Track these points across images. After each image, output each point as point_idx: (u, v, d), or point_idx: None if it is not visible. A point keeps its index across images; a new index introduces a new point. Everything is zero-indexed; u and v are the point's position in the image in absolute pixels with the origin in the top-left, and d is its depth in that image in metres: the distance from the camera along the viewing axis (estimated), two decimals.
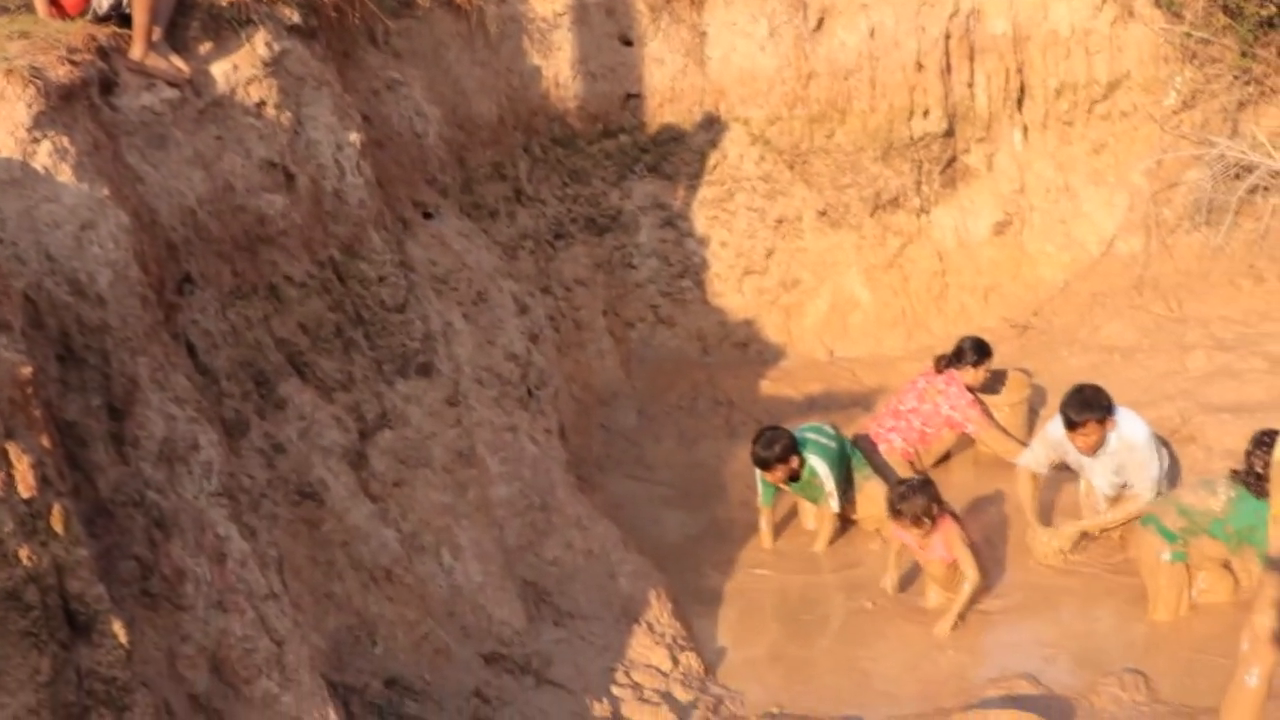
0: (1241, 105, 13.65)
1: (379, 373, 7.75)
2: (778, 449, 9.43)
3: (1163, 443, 9.37)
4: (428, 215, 9.30)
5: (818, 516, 9.97)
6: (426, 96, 9.92)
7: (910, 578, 8.96)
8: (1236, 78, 13.62)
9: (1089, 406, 8.89)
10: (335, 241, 7.75)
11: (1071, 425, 8.96)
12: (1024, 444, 10.21)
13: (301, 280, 7.36)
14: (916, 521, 8.50)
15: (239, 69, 7.28)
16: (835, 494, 9.62)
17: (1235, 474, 8.30)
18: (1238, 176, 13.13)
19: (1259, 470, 7.97)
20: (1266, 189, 13.03)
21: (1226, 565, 8.43)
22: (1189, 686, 7.47)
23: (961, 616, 8.54)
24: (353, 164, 7.94)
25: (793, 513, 10.10)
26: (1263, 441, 8.15)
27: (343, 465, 7.07)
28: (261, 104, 7.35)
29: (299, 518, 6.71)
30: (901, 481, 8.95)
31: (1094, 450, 8.99)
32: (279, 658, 5.33)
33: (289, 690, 5.32)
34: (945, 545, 8.54)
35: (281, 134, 7.42)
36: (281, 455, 6.77)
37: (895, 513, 8.63)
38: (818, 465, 9.58)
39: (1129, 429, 8.92)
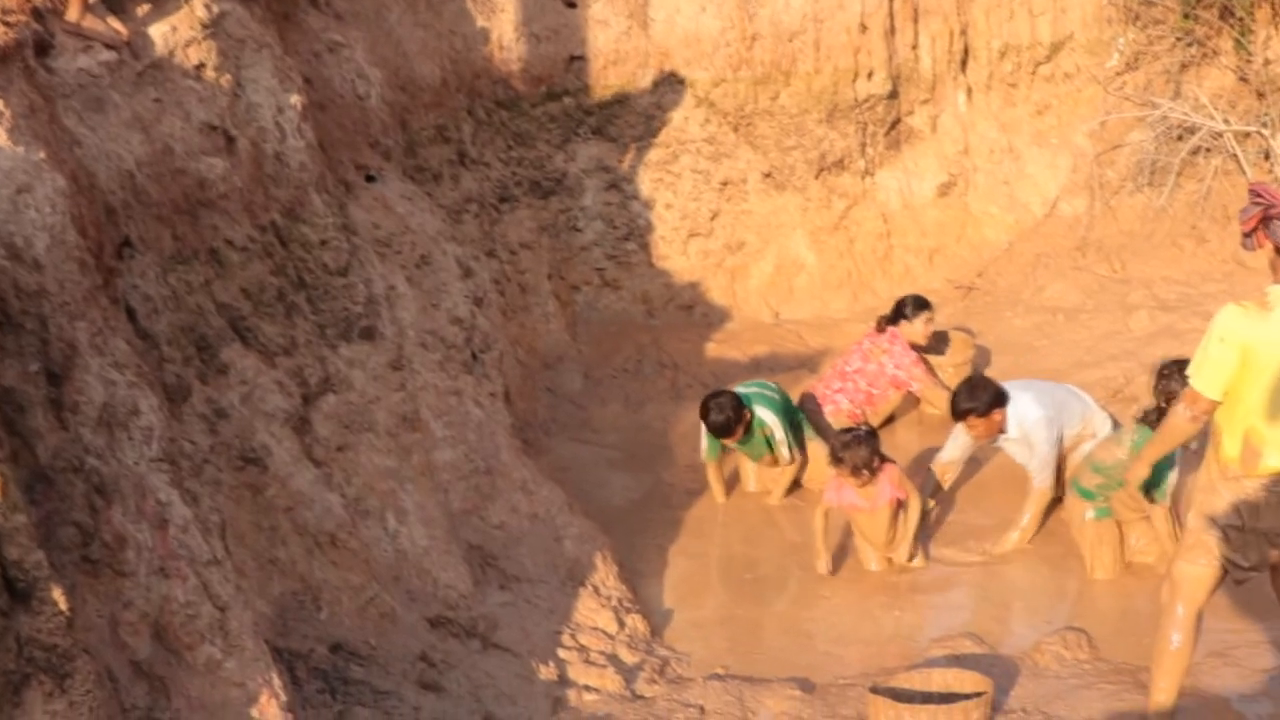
0: (1184, 67, 13.72)
1: (322, 337, 7.70)
2: (729, 411, 9.42)
3: (1101, 407, 9.45)
4: (370, 178, 9.25)
5: (760, 477, 10.00)
6: (368, 59, 9.85)
7: (842, 553, 8.97)
8: (1179, 39, 13.68)
9: (968, 399, 9.04)
10: (277, 205, 7.69)
11: (956, 417, 9.15)
12: None
13: (243, 244, 7.30)
14: (856, 471, 8.48)
15: (178, 31, 7.19)
16: (786, 442, 9.64)
17: (1141, 417, 8.51)
18: (1180, 138, 13.21)
19: (1161, 404, 8.20)
20: (1209, 150, 13.11)
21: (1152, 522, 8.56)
22: (1131, 644, 7.53)
23: (917, 541, 8.73)
24: (294, 127, 7.87)
25: (734, 477, 10.12)
26: (1163, 374, 8.48)
27: (286, 430, 7.03)
28: (201, 66, 7.27)
29: (242, 483, 6.67)
30: (846, 430, 8.96)
31: (988, 438, 9.13)
32: (222, 624, 5.30)
33: (232, 656, 5.29)
34: (893, 485, 8.56)
35: (221, 97, 7.35)
36: (224, 420, 6.73)
37: (836, 460, 8.62)
38: (765, 416, 9.59)
39: (1025, 413, 9.01)
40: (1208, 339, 6.04)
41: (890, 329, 10.75)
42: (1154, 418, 8.25)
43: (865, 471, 8.50)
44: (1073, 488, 8.77)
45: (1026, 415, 8.97)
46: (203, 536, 5.46)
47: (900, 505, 8.64)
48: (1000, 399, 8.98)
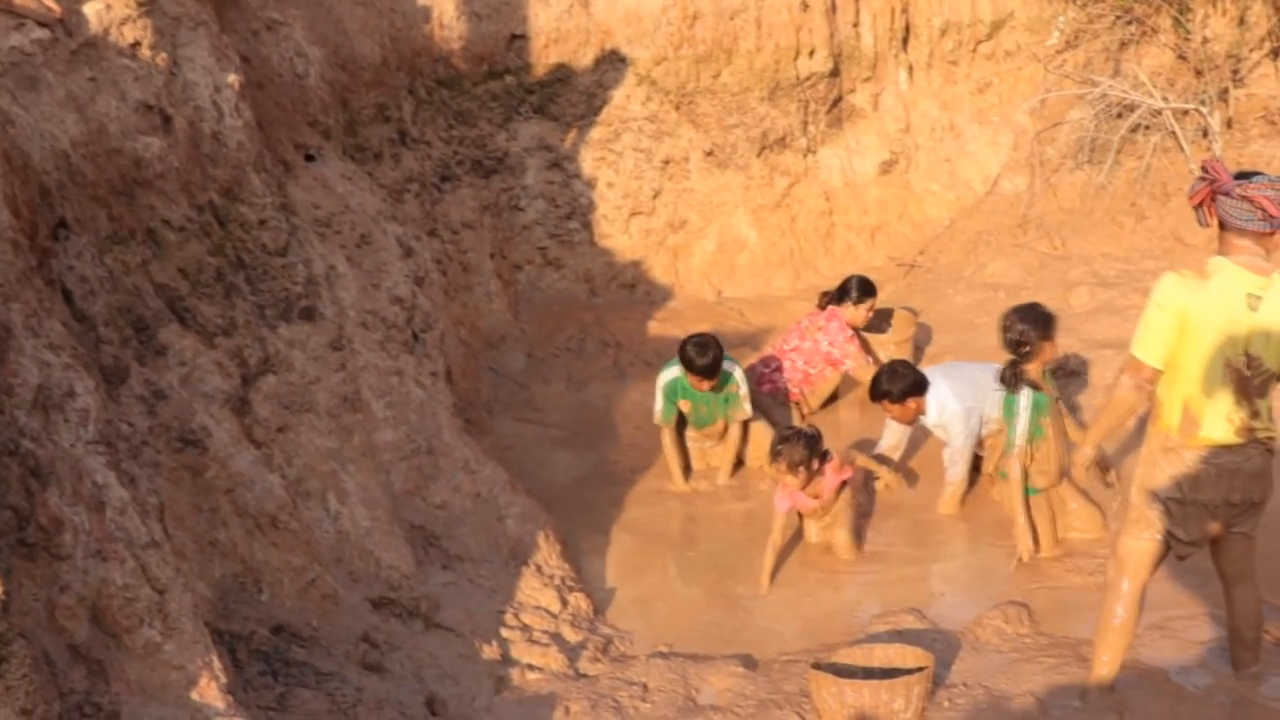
0: (1123, 45, 13.79)
1: (261, 317, 7.66)
2: (715, 350, 9.46)
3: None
4: (310, 158, 9.20)
5: (703, 456, 10.02)
6: (307, 37, 9.79)
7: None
8: (1119, 17, 13.75)
9: (886, 384, 9.17)
10: (214, 185, 7.63)
11: (874, 399, 9.32)
12: None
13: (180, 224, 7.24)
14: (793, 468, 8.40)
15: (112, 8, 7.12)
16: (749, 396, 9.71)
17: (1002, 380, 8.57)
18: (1120, 115, 13.28)
19: (1011, 357, 8.48)
20: (1148, 128, 13.18)
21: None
22: (1071, 617, 7.59)
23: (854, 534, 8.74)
24: (231, 106, 7.82)
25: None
26: (1004, 325, 8.64)
27: (225, 411, 6.98)
28: (136, 45, 7.20)
29: (181, 465, 6.62)
30: (789, 428, 8.94)
31: (908, 420, 9.28)
32: (160, 606, 5.27)
33: (171, 639, 5.26)
34: (835, 473, 8.56)
35: (157, 75, 7.28)
36: (162, 402, 6.68)
37: (774, 454, 8.54)
38: (733, 369, 9.65)
39: (945, 404, 9.10)
40: (1148, 308, 6.13)
41: (831, 308, 10.77)
42: (1007, 374, 8.44)
43: (802, 469, 8.41)
44: (1000, 477, 8.79)
45: (948, 408, 9.04)
46: (141, 519, 5.42)
47: (844, 486, 8.64)
48: (917, 387, 9.04)
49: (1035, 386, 8.42)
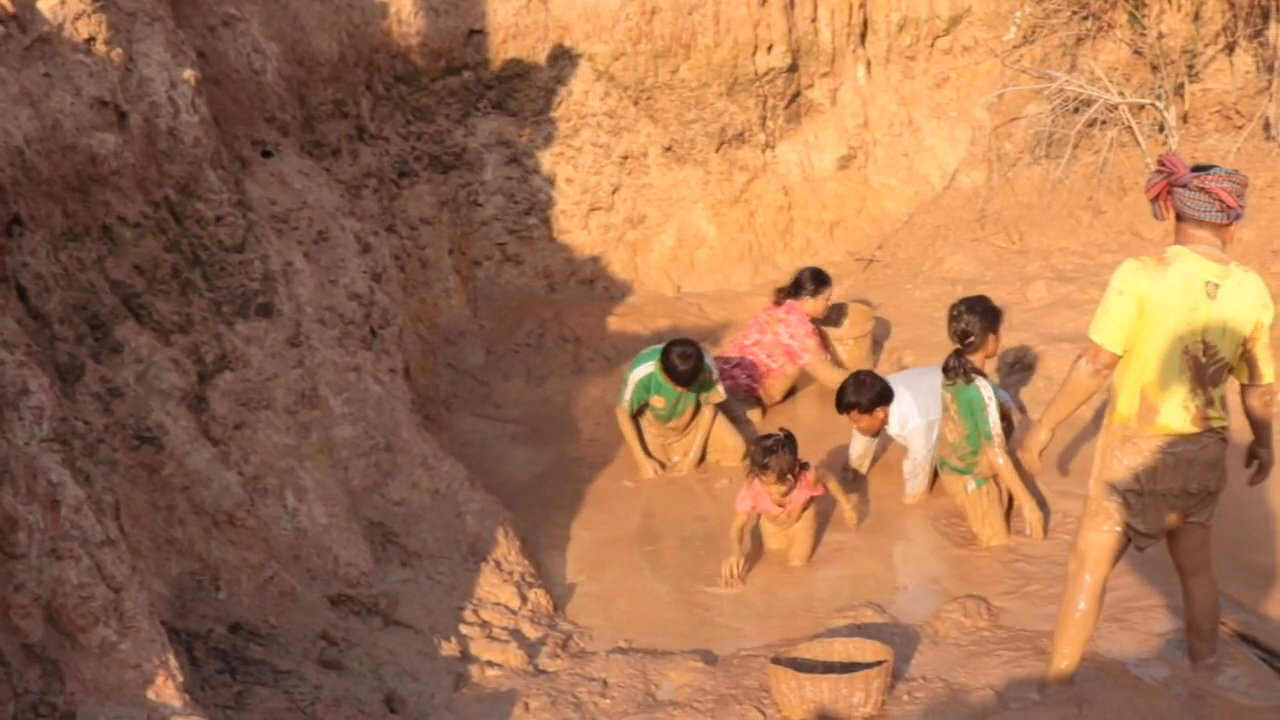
0: (1080, 40, 13.84)
1: (218, 314, 7.62)
2: (697, 359, 9.49)
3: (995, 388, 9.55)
4: (267, 154, 9.16)
5: (663, 451, 10.03)
6: (264, 33, 9.74)
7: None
8: (1075, 13, 13.80)
9: (854, 394, 9.17)
10: (170, 181, 7.59)
11: (840, 409, 9.28)
12: None
13: (136, 221, 7.19)
14: (782, 478, 8.27)
15: (66, 4, 7.05)
16: (720, 383, 9.79)
17: (946, 370, 8.68)
18: (1076, 110, 13.32)
19: (957, 347, 8.64)
20: (1104, 122, 13.23)
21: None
22: (1029, 610, 7.63)
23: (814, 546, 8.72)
24: (187, 102, 7.76)
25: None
26: (952, 315, 8.83)
27: (182, 409, 6.95)
28: (91, 40, 7.15)
29: (138, 463, 6.58)
30: (766, 436, 8.79)
31: (872, 432, 9.32)
32: (116, 605, 5.23)
33: (127, 638, 5.23)
34: (807, 487, 8.52)
35: (112, 71, 7.22)
36: (118, 399, 6.64)
37: (760, 467, 8.31)
38: (706, 359, 9.69)
39: (908, 416, 9.16)
40: (1107, 294, 6.17)
41: (789, 301, 10.78)
42: (952, 364, 8.57)
43: (790, 477, 8.34)
44: (944, 469, 8.89)
45: (908, 420, 9.09)
46: (96, 517, 5.39)
47: (812, 502, 8.64)
48: (884, 397, 9.09)
49: (982, 376, 8.52)
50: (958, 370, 8.54)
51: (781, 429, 8.65)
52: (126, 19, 7.52)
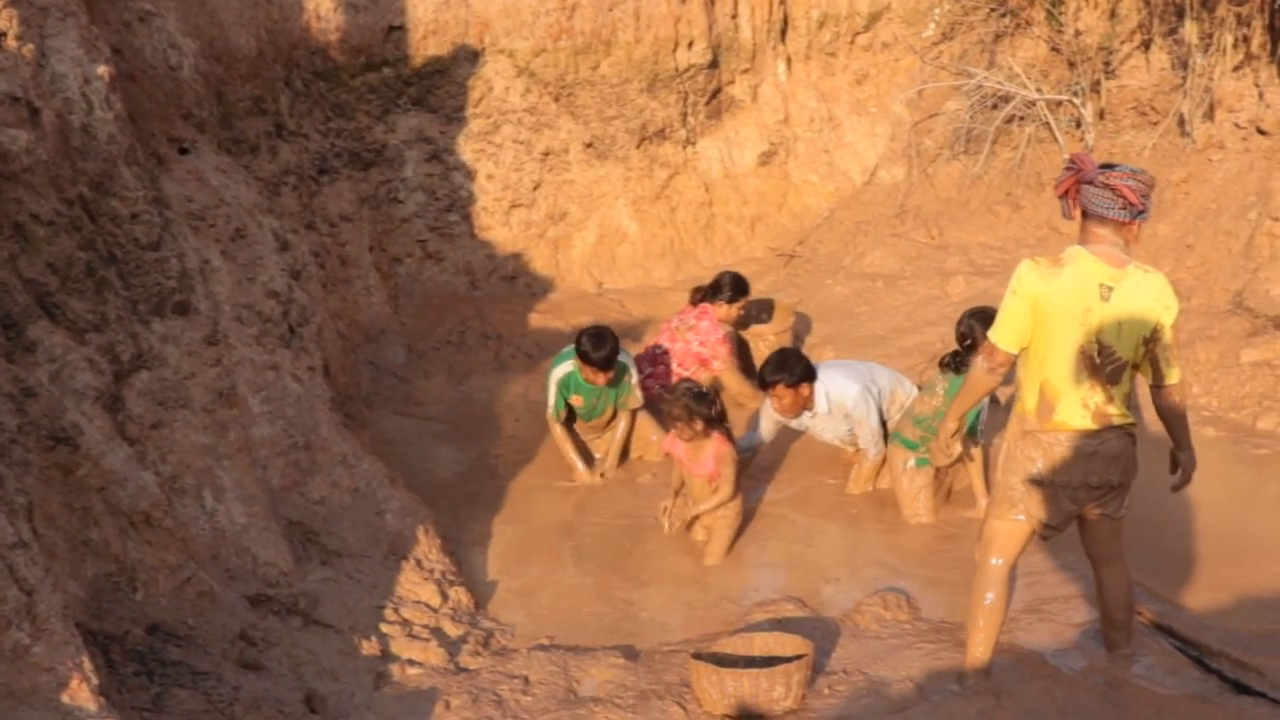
0: (998, 37, 13.97)
1: (134, 313, 7.54)
2: (612, 341, 9.45)
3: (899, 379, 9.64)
4: (184, 151, 9.07)
5: (588, 446, 10.04)
6: (181, 29, 9.65)
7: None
8: (993, 10, 13.93)
9: (778, 369, 9.12)
10: (85, 178, 7.50)
11: (763, 386, 9.22)
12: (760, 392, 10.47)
13: (49, 219, 7.10)
14: (673, 419, 8.52)
15: None
16: (639, 387, 9.75)
17: (944, 363, 8.93)
18: (995, 107, 13.45)
19: (959, 348, 8.78)
20: (1022, 119, 13.36)
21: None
22: (949, 603, 7.68)
23: (732, 544, 8.67)
24: (101, 98, 7.68)
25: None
26: (959, 321, 8.94)
27: (97, 408, 6.87)
28: (2, 35, 7.06)
29: (52, 463, 6.50)
30: (687, 379, 8.99)
31: (793, 412, 9.22)
32: (29, 608, 5.17)
33: (40, 641, 5.16)
34: (715, 459, 8.58)
35: (24, 67, 7.13)
36: (32, 399, 6.55)
37: (669, 401, 8.66)
38: (626, 360, 9.67)
39: (837, 390, 9.18)
40: (1005, 295, 6.28)
41: (702, 305, 10.77)
42: (947, 359, 8.85)
43: (681, 424, 8.49)
44: (895, 439, 9.04)
45: (844, 393, 9.13)
46: (8, 519, 5.32)
47: (717, 479, 8.66)
48: (810, 373, 9.10)
49: None
50: (957, 364, 8.74)
51: (711, 388, 8.90)
52: (39, 14, 7.44)
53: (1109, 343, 6.16)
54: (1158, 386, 6.35)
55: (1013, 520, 6.46)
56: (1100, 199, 6.10)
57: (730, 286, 10.86)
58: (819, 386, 9.13)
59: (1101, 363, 6.18)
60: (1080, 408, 6.23)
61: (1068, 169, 6.26)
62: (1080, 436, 6.26)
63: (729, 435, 8.69)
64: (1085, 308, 6.12)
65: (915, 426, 8.90)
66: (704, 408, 8.56)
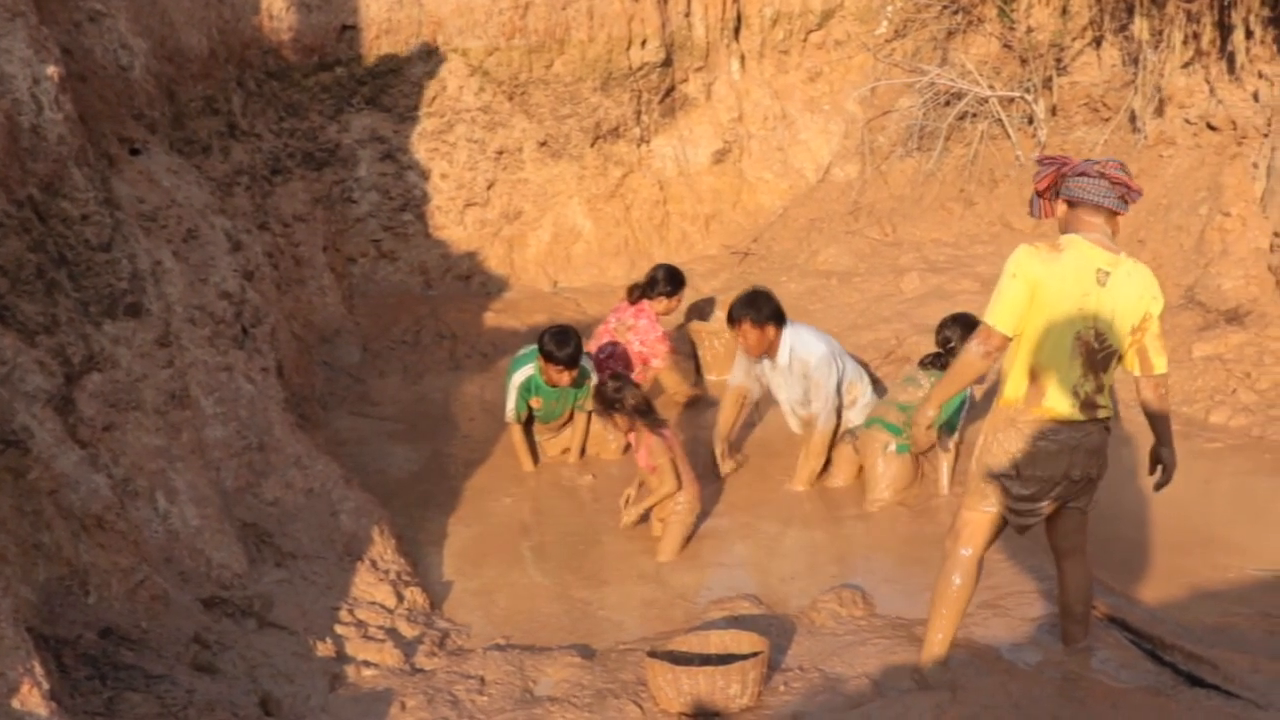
0: (950, 34, 14.02)
1: (85, 314, 7.49)
2: (576, 339, 9.46)
3: (863, 365, 9.69)
4: (135, 151, 9.02)
5: (547, 447, 10.02)
6: (132, 29, 9.60)
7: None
8: (945, 7, 13.98)
9: (746, 306, 9.13)
10: (34, 179, 7.45)
11: (730, 321, 9.20)
12: (697, 387, 10.52)
13: None
14: (598, 409, 8.78)
15: None
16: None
17: (925, 361, 9.11)
18: (948, 104, 13.50)
19: (951, 343, 8.93)
20: (975, 115, 13.41)
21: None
22: (906, 600, 7.70)
23: (685, 540, 8.67)
24: (51, 99, 7.63)
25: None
26: (944, 323, 9.18)
27: (48, 411, 6.82)
28: None
29: (2, 467, 6.45)
30: (617, 375, 9.00)
31: (758, 351, 9.19)
32: None
33: None
34: (646, 452, 8.62)
35: None
36: None
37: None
38: (587, 363, 9.67)
39: (804, 347, 9.19)
40: (1001, 278, 6.23)
41: (641, 303, 10.75)
42: (929, 359, 9.07)
43: (614, 417, 8.69)
44: (876, 424, 9.10)
45: (810, 350, 9.13)
46: None
47: (654, 470, 8.69)
48: (779, 317, 9.11)
49: None
50: (939, 364, 9.00)
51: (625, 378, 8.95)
52: None
53: (1104, 330, 6.20)
54: (1145, 377, 6.38)
55: (984, 511, 6.47)
56: (1097, 189, 6.17)
57: (666, 280, 10.83)
58: (786, 337, 9.13)
59: (1098, 349, 6.21)
60: (1070, 396, 6.23)
61: (1049, 163, 6.32)
62: (1065, 428, 6.27)
63: (656, 427, 8.70)
64: (1083, 292, 6.15)
65: (900, 412, 9.02)
66: (614, 407, 8.67)
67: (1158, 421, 6.53)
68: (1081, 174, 6.21)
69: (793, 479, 9.37)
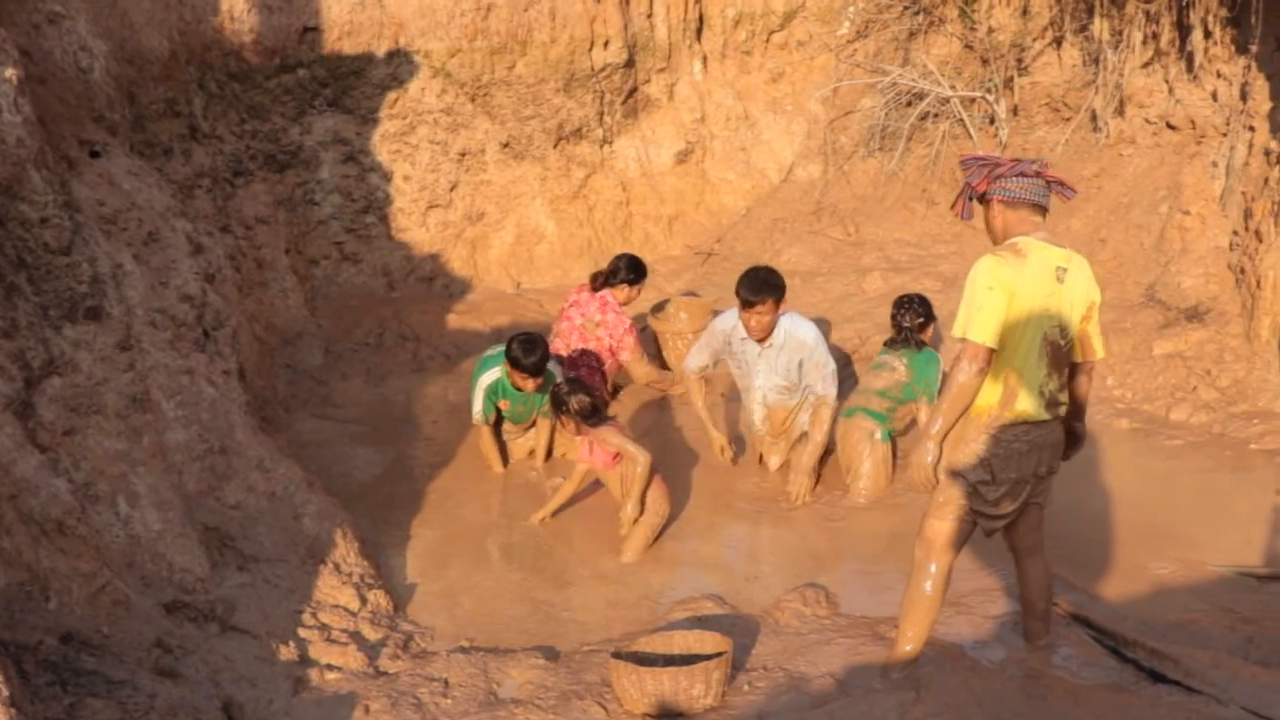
0: (912, 35, 14.06)
1: (44, 318, 7.45)
2: (543, 347, 9.42)
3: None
4: (94, 154, 8.97)
5: (514, 449, 10.02)
6: (91, 30, 9.55)
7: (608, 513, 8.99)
8: (907, 8, 14.02)
9: (766, 285, 9.05)
10: None
11: (748, 304, 9.06)
12: (667, 373, 10.54)
13: None
14: (549, 410, 8.96)
15: None
16: None
17: (892, 343, 9.35)
18: (909, 104, 13.54)
19: (909, 326, 9.24)
20: (937, 115, 13.45)
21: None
22: (870, 598, 7.74)
23: (651, 541, 8.67)
24: (9, 101, 7.59)
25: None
26: (903, 304, 9.38)
27: (7, 416, 6.79)
28: None
29: None
30: (575, 379, 8.98)
31: (765, 334, 9.13)
32: None
33: None
34: (601, 447, 8.66)
35: None
36: None
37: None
38: (554, 368, 9.64)
39: (798, 327, 9.19)
40: (973, 292, 6.20)
41: (602, 295, 10.71)
42: (894, 340, 9.33)
43: (563, 419, 8.74)
44: (860, 413, 9.20)
45: (804, 331, 9.16)
46: None
47: (616, 459, 8.71)
48: (781, 290, 9.14)
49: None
50: (908, 340, 9.27)
51: (594, 389, 8.94)
52: None
53: (1066, 325, 6.29)
54: (1085, 362, 6.46)
55: (954, 520, 6.48)
56: (1035, 188, 6.28)
57: (628, 268, 10.77)
58: (781, 318, 9.13)
59: (1063, 345, 6.31)
60: (1038, 396, 6.29)
61: (979, 164, 6.34)
62: (1035, 428, 6.34)
63: (601, 423, 8.72)
64: (1048, 293, 6.22)
65: (880, 399, 9.17)
66: (560, 409, 8.73)
67: (1083, 400, 6.65)
68: (1020, 174, 6.24)
69: (797, 469, 9.30)
